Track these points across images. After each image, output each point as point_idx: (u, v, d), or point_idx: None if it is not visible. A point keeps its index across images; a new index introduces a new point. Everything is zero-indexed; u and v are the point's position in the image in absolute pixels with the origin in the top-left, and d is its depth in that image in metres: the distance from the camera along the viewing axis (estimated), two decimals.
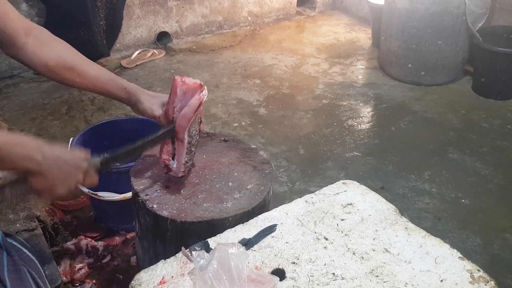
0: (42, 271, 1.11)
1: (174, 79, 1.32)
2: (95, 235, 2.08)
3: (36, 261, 1.10)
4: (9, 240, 1.06)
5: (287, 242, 1.19)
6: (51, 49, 1.27)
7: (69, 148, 1.12)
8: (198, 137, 1.38)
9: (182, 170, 1.39)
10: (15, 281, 0.97)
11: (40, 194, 1.04)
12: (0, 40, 1.20)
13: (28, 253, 1.10)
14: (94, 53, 3.86)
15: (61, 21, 3.52)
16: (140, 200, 1.35)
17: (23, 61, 1.25)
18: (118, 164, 1.26)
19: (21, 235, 1.39)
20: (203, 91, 1.28)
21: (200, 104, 1.28)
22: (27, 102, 3.30)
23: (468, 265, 1.11)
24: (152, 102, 1.37)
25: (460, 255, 1.14)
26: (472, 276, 1.07)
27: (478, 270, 1.09)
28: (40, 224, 1.51)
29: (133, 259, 1.94)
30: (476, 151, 2.73)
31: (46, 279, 1.11)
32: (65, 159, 1.04)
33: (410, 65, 3.48)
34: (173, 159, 1.41)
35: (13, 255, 1.01)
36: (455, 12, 3.22)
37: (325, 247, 1.17)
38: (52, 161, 1.01)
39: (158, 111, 1.36)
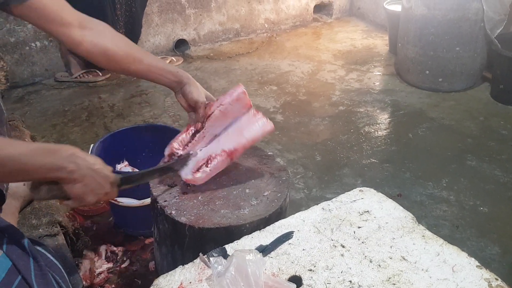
0: (66, 276, 1.13)
1: (240, 87, 1.42)
2: (114, 240, 2.11)
3: (60, 266, 1.13)
4: (35, 246, 1.09)
5: (304, 249, 1.20)
6: (108, 39, 1.31)
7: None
8: None
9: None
10: (42, 286, 1.00)
11: (72, 200, 1.05)
12: (58, 34, 1.24)
13: (52, 258, 1.12)
14: None
15: None
16: (159, 206, 1.38)
17: (81, 51, 1.29)
18: (134, 184, 1.26)
19: (44, 241, 1.42)
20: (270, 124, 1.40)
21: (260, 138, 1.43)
22: (48, 108, 3.37)
23: (486, 273, 1.10)
24: (201, 89, 1.44)
25: (478, 264, 1.13)
26: (490, 285, 1.07)
27: (496, 279, 1.09)
28: (62, 230, 1.54)
29: (152, 264, 1.97)
30: (495, 158, 2.70)
31: (70, 284, 1.14)
32: (97, 169, 1.06)
33: (427, 72, 3.46)
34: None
35: (39, 260, 1.04)
36: (473, 18, 3.20)
37: (342, 255, 1.18)
38: (86, 170, 1.02)
39: (203, 98, 1.42)
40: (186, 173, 1.41)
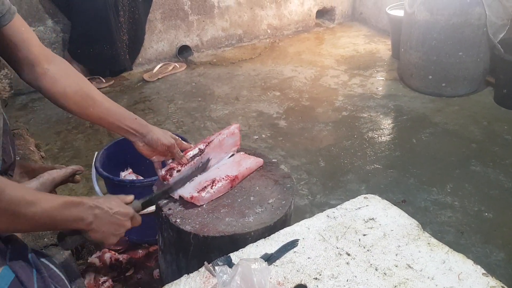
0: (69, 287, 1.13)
1: (235, 124, 1.62)
2: (118, 248, 2.10)
3: (64, 278, 1.13)
4: (39, 257, 1.09)
5: (309, 258, 1.19)
6: (71, 78, 1.32)
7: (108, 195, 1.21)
8: None
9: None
10: None
11: (96, 244, 1.13)
12: (22, 64, 1.25)
13: (56, 270, 1.12)
14: (117, 67, 3.94)
15: (85, 36, 3.60)
16: (164, 214, 1.38)
17: (41, 87, 1.29)
18: (156, 204, 1.39)
19: (49, 250, 1.42)
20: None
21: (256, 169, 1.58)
22: (52, 116, 3.37)
23: (492, 281, 1.10)
24: (163, 133, 1.46)
25: (484, 271, 1.13)
26: None
27: (503, 287, 1.08)
28: None
29: (156, 273, 1.96)
30: (499, 163, 2.70)
31: None
32: (114, 213, 1.15)
33: (430, 77, 3.46)
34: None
35: (42, 272, 1.04)
36: (476, 23, 3.20)
37: (347, 263, 1.17)
38: (103, 217, 1.12)
39: (171, 141, 1.45)
40: (190, 191, 1.42)
